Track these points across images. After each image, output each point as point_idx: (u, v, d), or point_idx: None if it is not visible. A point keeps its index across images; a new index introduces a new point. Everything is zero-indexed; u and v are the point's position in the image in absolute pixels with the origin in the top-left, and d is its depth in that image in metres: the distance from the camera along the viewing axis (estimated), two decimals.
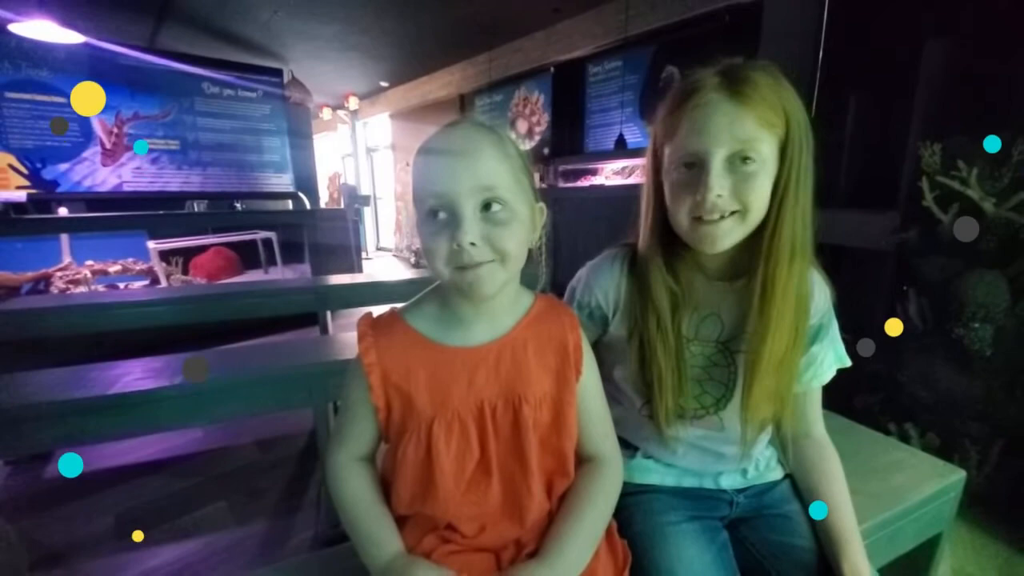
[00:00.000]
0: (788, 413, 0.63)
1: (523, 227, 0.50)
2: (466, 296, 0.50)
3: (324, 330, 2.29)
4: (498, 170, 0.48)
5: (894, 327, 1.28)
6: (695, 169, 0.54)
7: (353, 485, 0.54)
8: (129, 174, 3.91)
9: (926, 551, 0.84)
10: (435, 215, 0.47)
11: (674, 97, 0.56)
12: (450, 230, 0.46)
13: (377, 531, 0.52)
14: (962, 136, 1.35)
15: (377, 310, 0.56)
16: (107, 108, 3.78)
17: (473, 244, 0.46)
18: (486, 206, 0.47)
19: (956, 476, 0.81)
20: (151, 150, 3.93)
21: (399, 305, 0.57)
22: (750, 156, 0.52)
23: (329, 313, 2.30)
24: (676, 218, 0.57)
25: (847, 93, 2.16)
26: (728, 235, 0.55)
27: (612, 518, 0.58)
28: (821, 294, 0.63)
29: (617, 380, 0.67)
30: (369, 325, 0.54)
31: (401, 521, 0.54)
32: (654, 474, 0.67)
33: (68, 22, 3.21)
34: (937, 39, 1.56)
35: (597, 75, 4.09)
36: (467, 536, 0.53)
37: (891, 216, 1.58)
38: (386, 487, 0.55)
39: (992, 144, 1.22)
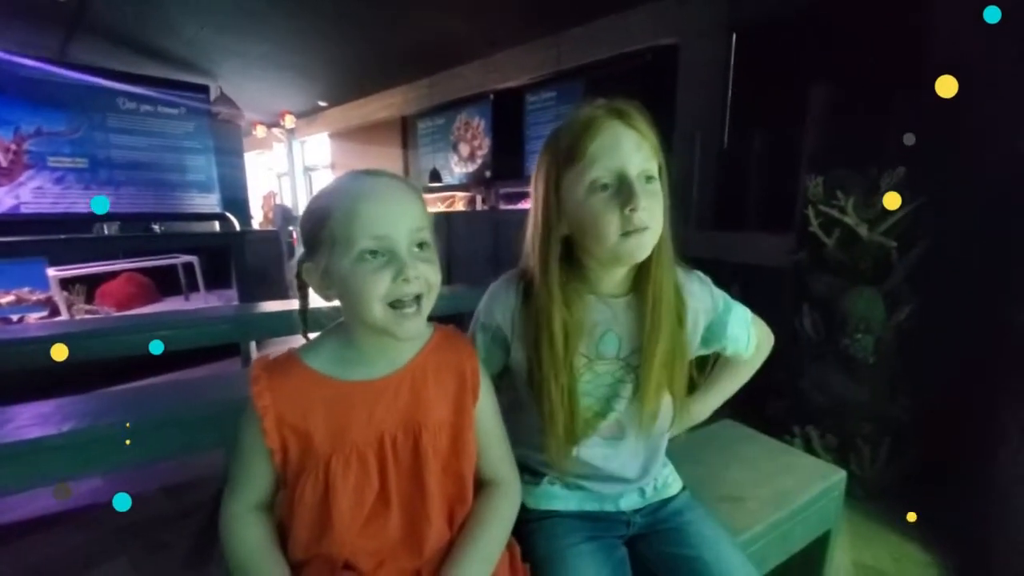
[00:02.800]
0: (681, 402, 0.68)
1: (438, 266, 0.55)
2: (394, 334, 0.51)
3: (247, 362, 2.16)
4: (423, 213, 0.54)
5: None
6: (610, 190, 0.58)
7: (246, 535, 0.53)
8: (28, 195, 3.55)
9: (818, 548, 0.91)
10: (372, 256, 0.50)
11: (572, 131, 0.60)
12: (391, 269, 0.50)
13: None
14: (841, 169, 1.53)
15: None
16: (4, 123, 3.43)
17: (417, 278, 0.51)
18: (419, 245, 0.53)
19: (838, 476, 0.89)
20: (55, 168, 3.60)
21: (296, 346, 0.57)
22: (652, 176, 0.60)
23: (254, 344, 2.18)
24: (601, 237, 0.59)
25: (752, 128, 2.39)
26: (646, 248, 0.60)
27: (516, 543, 0.60)
28: (704, 294, 0.70)
29: (523, 406, 0.69)
30: (263, 368, 0.53)
31: (300, 567, 0.53)
32: (557, 500, 0.70)
33: None
34: (819, 83, 1.78)
35: (534, 104, 4.25)
36: (365, 573, 0.53)
37: (789, 238, 1.75)
38: (283, 533, 0.55)
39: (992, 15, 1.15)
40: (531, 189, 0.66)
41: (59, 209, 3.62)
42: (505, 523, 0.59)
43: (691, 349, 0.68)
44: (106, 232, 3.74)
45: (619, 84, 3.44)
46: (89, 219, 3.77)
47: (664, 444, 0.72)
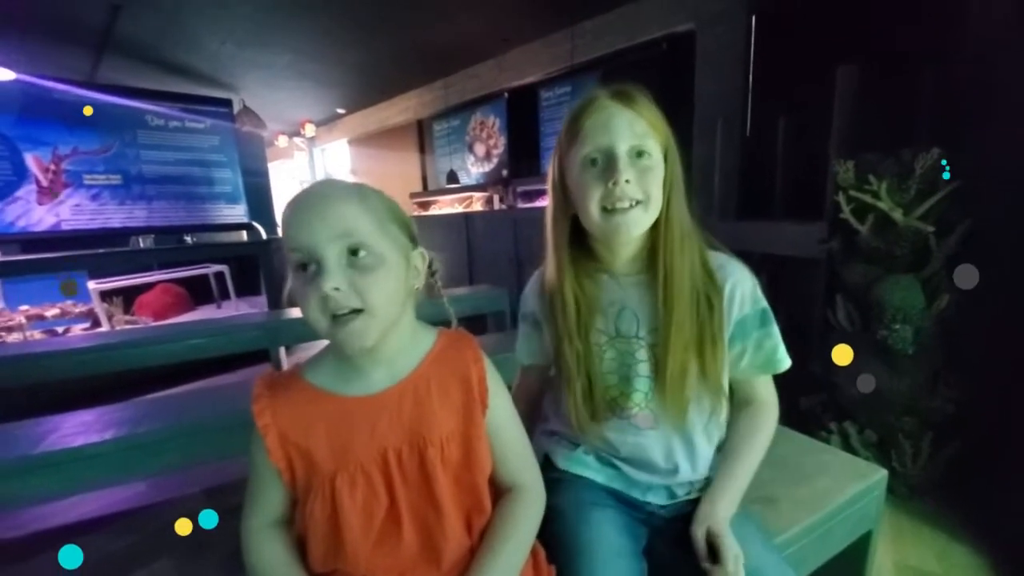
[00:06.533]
0: (720, 398, 0.66)
1: (392, 273, 0.50)
2: (342, 349, 0.50)
3: (277, 367, 2.22)
4: (357, 217, 0.48)
5: (842, 355, 1.36)
6: (599, 165, 0.61)
7: (264, 551, 0.53)
8: (68, 212, 3.72)
9: (859, 550, 0.88)
10: (304, 268, 0.48)
11: (574, 111, 0.64)
12: (315, 281, 0.47)
13: None
14: (873, 152, 1.46)
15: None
16: (43, 144, 3.61)
17: (337, 289, 0.46)
18: (353, 252, 0.48)
19: (878, 475, 0.86)
20: (91, 185, 3.77)
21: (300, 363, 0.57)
22: (646, 151, 0.61)
23: (284, 349, 2.24)
24: (587, 212, 0.62)
25: (776, 114, 2.31)
26: (637, 224, 0.62)
27: (541, 546, 0.59)
28: (748, 287, 0.67)
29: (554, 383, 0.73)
30: (265, 385, 0.53)
31: None
32: (588, 468, 0.70)
33: (1, 59, 3.08)
34: (847, 63, 1.70)
35: (549, 99, 4.22)
36: None
37: (819, 227, 1.69)
38: (302, 547, 0.55)
39: None
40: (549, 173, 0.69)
41: (96, 224, 3.78)
42: (527, 532, 0.57)
43: (726, 335, 0.66)
44: (141, 245, 3.89)
45: (635, 74, 3.37)
46: (125, 233, 3.93)
47: (704, 448, 0.69)
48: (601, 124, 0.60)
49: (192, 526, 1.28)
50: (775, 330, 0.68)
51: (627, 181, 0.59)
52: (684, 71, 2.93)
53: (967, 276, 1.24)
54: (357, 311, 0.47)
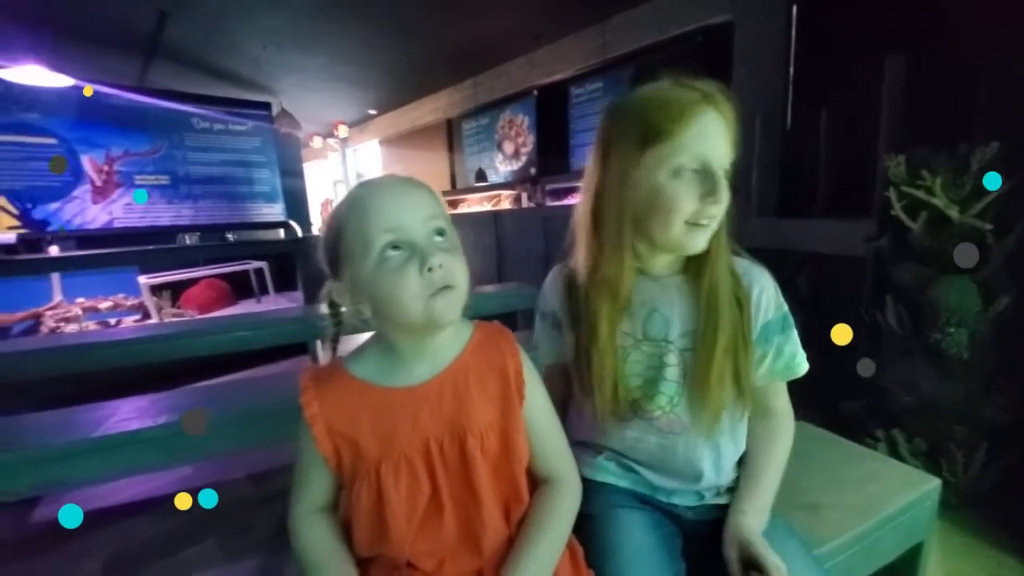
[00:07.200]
0: (749, 402, 0.65)
1: (463, 257, 0.53)
2: (434, 326, 0.51)
3: (315, 359, 2.28)
4: (434, 203, 0.53)
5: (841, 334, 1.28)
6: (692, 178, 0.57)
7: (310, 535, 0.55)
8: (120, 210, 3.95)
9: (908, 562, 0.84)
10: (393, 250, 0.49)
11: (661, 110, 0.57)
12: (415, 260, 0.48)
13: None
14: (926, 146, 1.39)
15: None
16: (97, 146, 3.84)
17: (441, 267, 0.49)
18: (439, 233, 0.51)
19: (931, 485, 0.82)
20: (141, 185, 3.98)
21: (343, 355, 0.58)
22: (727, 170, 0.59)
23: (320, 342, 2.30)
24: (667, 223, 0.58)
25: (818, 107, 2.22)
26: (707, 241, 0.61)
27: (579, 544, 0.59)
28: (772, 292, 0.66)
29: (574, 384, 0.71)
30: (311, 377, 0.55)
31: (366, 563, 0.55)
32: (610, 475, 0.70)
33: (58, 65, 3.28)
34: (897, 54, 1.62)
35: (580, 96, 4.19)
36: (428, 572, 0.53)
37: (866, 224, 1.62)
38: (348, 531, 0.56)
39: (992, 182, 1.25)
40: (593, 163, 0.64)
41: (146, 223, 3.99)
42: (564, 523, 0.57)
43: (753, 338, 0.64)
44: (187, 242, 4.08)
45: (669, 69, 3.31)
46: (173, 231, 4.13)
47: (730, 452, 0.68)
48: (698, 133, 0.56)
49: (192, 501, 1.43)
50: (795, 335, 0.66)
51: (722, 202, 0.57)
52: (721, 65, 2.85)
53: (967, 255, 1.25)
54: (448, 288, 0.50)
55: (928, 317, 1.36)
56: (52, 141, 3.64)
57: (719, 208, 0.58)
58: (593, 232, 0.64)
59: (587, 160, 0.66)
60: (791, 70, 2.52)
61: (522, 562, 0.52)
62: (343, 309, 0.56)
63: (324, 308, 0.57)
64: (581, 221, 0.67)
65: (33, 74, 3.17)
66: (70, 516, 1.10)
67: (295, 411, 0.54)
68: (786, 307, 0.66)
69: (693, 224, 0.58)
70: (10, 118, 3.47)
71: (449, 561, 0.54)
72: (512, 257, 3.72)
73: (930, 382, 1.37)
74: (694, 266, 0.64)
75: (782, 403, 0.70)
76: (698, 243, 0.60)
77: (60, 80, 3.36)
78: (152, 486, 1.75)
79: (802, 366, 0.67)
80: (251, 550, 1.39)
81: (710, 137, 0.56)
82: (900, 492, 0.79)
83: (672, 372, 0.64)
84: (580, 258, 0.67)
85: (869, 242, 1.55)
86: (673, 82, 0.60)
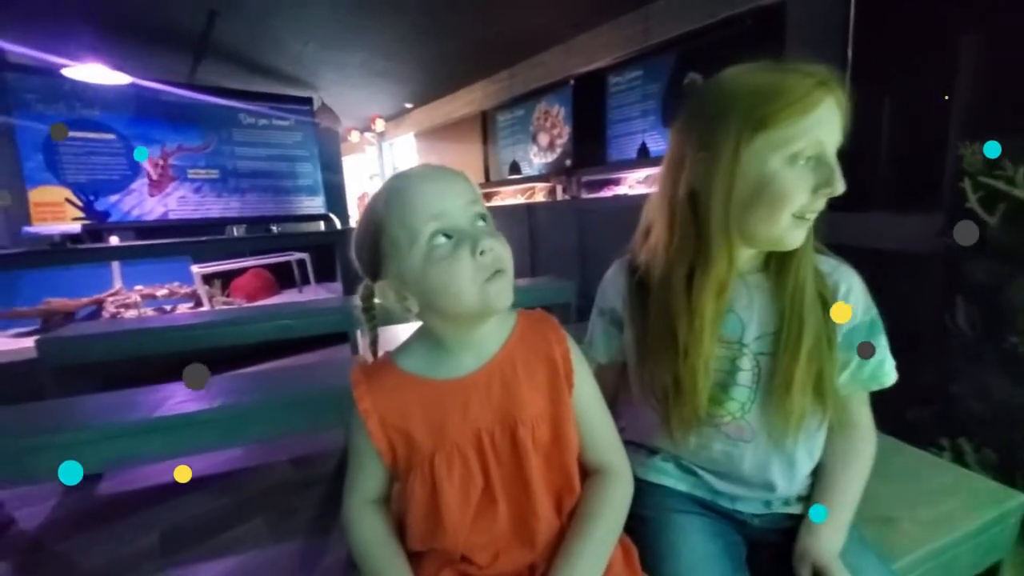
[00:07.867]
0: (831, 412, 0.60)
1: (507, 242, 0.52)
2: (489, 312, 0.51)
3: (355, 349, 2.34)
4: (474, 189, 0.52)
5: (840, 312, 1.17)
6: (805, 165, 0.53)
7: (363, 527, 0.55)
8: (174, 203, 4.16)
9: None
10: (441, 238, 0.48)
11: (784, 91, 0.52)
12: (466, 246, 0.47)
13: (387, 570, 0.52)
14: (1005, 133, 1.27)
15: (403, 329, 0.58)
16: (153, 142, 4.04)
17: (492, 250, 0.48)
18: (482, 218, 0.51)
19: (1015, 501, 0.75)
20: (193, 179, 4.17)
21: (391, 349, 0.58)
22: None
23: (359, 332, 2.35)
24: (774, 215, 0.54)
25: (880, 93, 2.08)
26: (804, 234, 0.57)
27: (633, 545, 0.57)
28: (861, 293, 0.62)
29: (632, 385, 0.68)
30: (362, 372, 0.55)
31: (419, 557, 0.55)
32: (667, 476, 0.67)
33: (116, 64, 3.45)
34: (971, 34, 1.49)
35: (618, 85, 4.09)
36: (482, 566, 0.53)
37: (934, 218, 1.50)
38: (401, 525, 0.56)
39: (992, 150, 1.16)
40: (679, 149, 0.59)
41: (198, 215, 4.19)
42: (617, 514, 0.56)
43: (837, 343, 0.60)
44: (235, 234, 4.25)
45: (717, 54, 3.18)
46: (223, 223, 4.32)
47: (804, 463, 0.63)
48: (817, 120, 0.52)
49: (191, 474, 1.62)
50: (884, 341, 0.61)
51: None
52: (772, 49, 2.71)
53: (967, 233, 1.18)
54: (500, 272, 0.49)
55: (1004, 319, 1.25)
56: (111, 137, 3.85)
57: (823, 202, 0.54)
58: (691, 224, 0.58)
59: (669, 147, 0.62)
60: (849, 53, 2.36)
61: (575, 554, 0.51)
62: (378, 303, 0.55)
63: (358, 309, 0.56)
64: (665, 212, 0.61)
65: (95, 72, 3.35)
66: (70, 473, 1.12)
67: (336, 400, 0.54)
68: (875, 310, 0.62)
69: (799, 217, 0.55)
70: (74, 115, 3.69)
71: (503, 554, 0.54)
72: (546, 250, 3.69)
73: (1003, 389, 1.27)
74: (775, 263, 0.60)
75: (864, 416, 0.66)
76: (799, 238, 0.56)
77: (119, 78, 3.54)
78: (204, 465, 1.84)
79: (890, 376, 0.62)
80: (295, 531, 1.44)
81: (828, 123, 0.53)
82: (982, 507, 0.73)
83: (745, 377, 0.61)
84: (660, 253, 0.61)
85: (939, 237, 1.44)
86: (773, 66, 0.55)
